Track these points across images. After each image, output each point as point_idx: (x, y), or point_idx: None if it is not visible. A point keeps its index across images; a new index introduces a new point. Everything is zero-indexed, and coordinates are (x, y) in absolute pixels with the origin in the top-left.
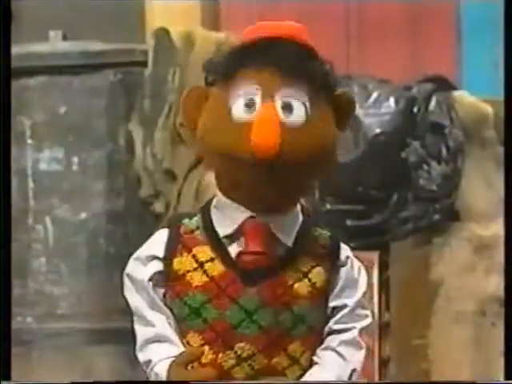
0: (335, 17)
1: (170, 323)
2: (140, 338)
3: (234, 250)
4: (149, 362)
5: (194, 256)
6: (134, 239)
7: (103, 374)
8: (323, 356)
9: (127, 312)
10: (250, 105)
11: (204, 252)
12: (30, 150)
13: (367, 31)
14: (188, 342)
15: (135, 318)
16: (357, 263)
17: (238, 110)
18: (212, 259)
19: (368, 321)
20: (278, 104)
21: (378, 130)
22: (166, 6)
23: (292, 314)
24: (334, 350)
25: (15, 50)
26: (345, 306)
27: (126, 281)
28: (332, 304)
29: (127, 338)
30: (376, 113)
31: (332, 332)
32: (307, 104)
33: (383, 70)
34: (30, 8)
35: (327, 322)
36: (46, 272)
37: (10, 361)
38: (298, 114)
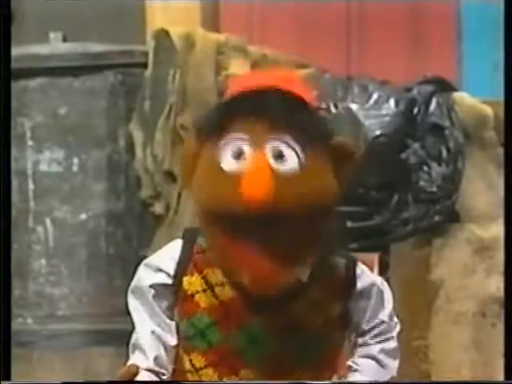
0: (335, 17)
1: (158, 334)
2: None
3: (245, 277)
4: None
5: (204, 277)
6: (134, 240)
7: (103, 375)
8: (363, 364)
9: (127, 313)
10: (238, 154)
11: (215, 275)
12: (30, 151)
13: (367, 32)
14: (191, 361)
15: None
16: (379, 279)
17: (227, 160)
18: (222, 283)
19: (398, 327)
20: (269, 152)
21: (378, 132)
22: (166, 7)
23: (301, 344)
24: (374, 358)
25: (15, 51)
26: (382, 322)
27: (133, 284)
28: (367, 326)
29: (127, 339)
30: (376, 114)
31: (368, 344)
32: (299, 152)
33: (383, 71)
34: (30, 9)
35: (359, 339)
36: (46, 273)
37: (10, 361)
38: (291, 161)
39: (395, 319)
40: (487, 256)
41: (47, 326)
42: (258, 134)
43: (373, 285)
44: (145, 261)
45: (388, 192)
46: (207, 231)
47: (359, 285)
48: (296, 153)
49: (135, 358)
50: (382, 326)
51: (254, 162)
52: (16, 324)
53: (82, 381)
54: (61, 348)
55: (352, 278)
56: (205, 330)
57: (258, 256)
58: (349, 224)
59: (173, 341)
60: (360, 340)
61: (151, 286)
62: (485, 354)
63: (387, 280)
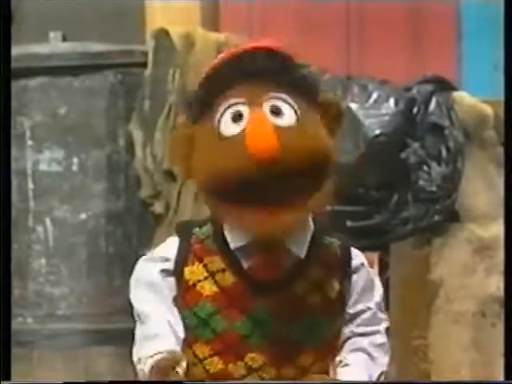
0: (335, 17)
1: (169, 320)
2: (136, 338)
3: (245, 261)
4: (139, 360)
5: (205, 265)
6: (134, 240)
7: (103, 375)
8: (354, 358)
9: (127, 313)
10: (237, 118)
11: (215, 262)
12: (29, 150)
13: (367, 32)
14: (194, 352)
15: (136, 319)
16: (369, 267)
17: (226, 125)
18: (223, 270)
19: (387, 323)
20: (267, 109)
21: (377, 131)
22: (165, 6)
23: (303, 325)
24: (365, 351)
25: (15, 50)
26: (368, 308)
27: (133, 282)
28: (352, 310)
29: (127, 338)
30: (376, 113)
31: (356, 335)
32: (295, 107)
33: (383, 70)
34: (30, 9)
35: (344, 328)
36: (45, 273)
37: (10, 361)
38: (288, 116)
39: (384, 314)
40: (487, 256)
41: (47, 325)
42: (253, 95)
43: (363, 265)
44: (144, 257)
45: (388, 191)
46: (213, 203)
47: (353, 264)
48: (293, 108)
49: (151, 348)
50: (368, 313)
51: (254, 120)
52: (16, 323)
53: (82, 381)
54: (61, 347)
55: (347, 257)
56: (208, 318)
57: (264, 206)
58: (348, 223)
59: (182, 333)
60: (347, 330)
61: (161, 272)
62: (484, 353)
63: (387, 279)
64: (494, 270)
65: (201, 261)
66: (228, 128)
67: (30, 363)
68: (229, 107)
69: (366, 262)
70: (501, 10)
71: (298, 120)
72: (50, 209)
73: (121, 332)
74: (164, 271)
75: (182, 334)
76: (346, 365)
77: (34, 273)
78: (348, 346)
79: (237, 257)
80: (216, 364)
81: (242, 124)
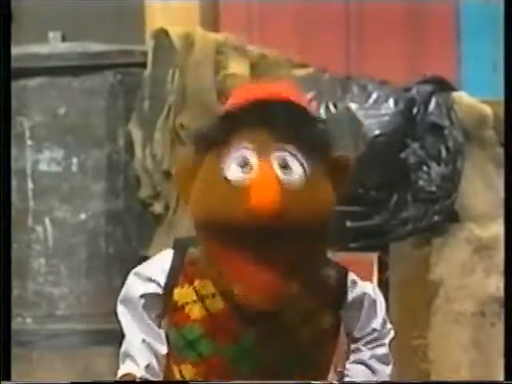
0: (335, 17)
1: (149, 342)
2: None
3: (236, 289)
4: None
5: (194, 288)
6: (133, 240)
7: (102, 375)
8: (353, 369)
9: None
10: (244, 165)
11: (206, 286)
12: (29, 150)
13: (367, 32)
14: (181, 372)
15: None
16: (370, 288)
17: (232, 169)
18: (213, 295)
19: (392, 333)
20: (275, 162)
21: (377, 131)
22: (165, 6)
23: (292, 354)
24: (364, 363)
25: (15, 50)
26: (374, 330)
27: (122, 294)
28: (358, 334)
29: None
30: (375, 114)
31: (361, 350)
32: (305, 164)
33: (383, 70)
34: (30, 9)
35: (351, 345)
36: (45, 273)
37: (10, 361)
38: (296, 172)
39: (388, 326)
40: (486, 255)
41: (46, 325)
42: (263, 144)
43: (364, 294)
44: (135, 270)
45: (387, 192)
46: (205, 244)
47: (350, 296)
48: (301, 164)
49: (126, 367)
50: (375, 334)
51: (262, 171)
52: (15, 324)
53: (82, 381)
54: (60, 348)
55: (343, 289)
56: (195, 341)
57: (255, 269)
58: (348, 224)
59: (163, 349)
60: (352, 346)
61: (142, 296)
62: (484, 353)
63: (386, 279)
64: (493, 269)
65: (191, 283)
66: (233, 172)
67: (29, 363)
68: (235, 152)
69: (366, 289)
70: (501, 10)
71: (305, 176)
72: (50, 209)
73: (120, 332)
74: (146, 294)
75: (163, 351)
76: (346, 375)
77: (34, 273)
78: (350, 358)
79: (227, 283)
80: None
81: (248, 172)
